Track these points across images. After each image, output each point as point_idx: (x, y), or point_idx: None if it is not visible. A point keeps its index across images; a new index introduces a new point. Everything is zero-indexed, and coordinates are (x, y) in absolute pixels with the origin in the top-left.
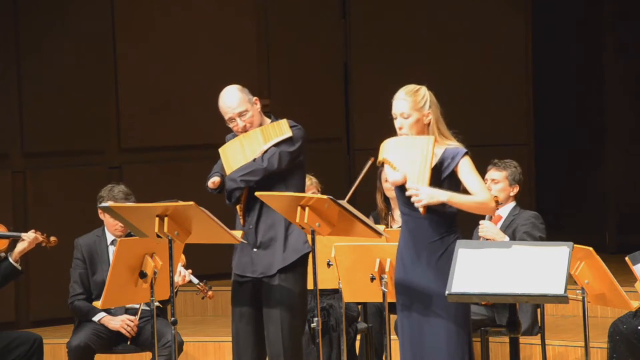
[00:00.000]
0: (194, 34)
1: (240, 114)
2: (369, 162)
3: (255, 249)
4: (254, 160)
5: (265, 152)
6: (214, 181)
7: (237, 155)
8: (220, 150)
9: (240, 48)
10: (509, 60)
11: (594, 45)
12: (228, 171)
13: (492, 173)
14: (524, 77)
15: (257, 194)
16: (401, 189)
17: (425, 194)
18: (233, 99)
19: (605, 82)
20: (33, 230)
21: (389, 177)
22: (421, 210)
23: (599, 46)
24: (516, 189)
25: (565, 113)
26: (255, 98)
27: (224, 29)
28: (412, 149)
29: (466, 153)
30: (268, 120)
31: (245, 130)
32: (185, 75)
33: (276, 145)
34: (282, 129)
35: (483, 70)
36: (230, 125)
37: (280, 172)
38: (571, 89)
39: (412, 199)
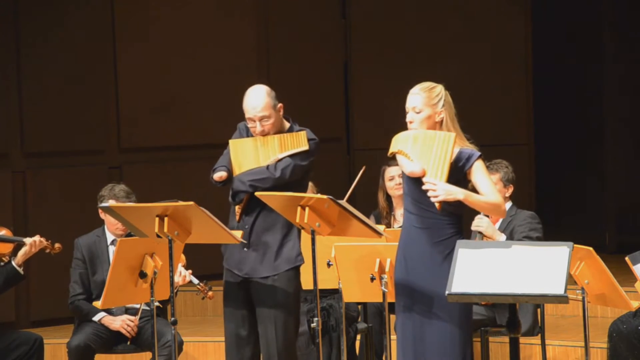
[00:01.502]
0: (194, 34)
1: (262, 118)
2: (362, 170)
3: (245, 249)
4: (267, 167)
5: (279, 160)
6: (220, 175)
7: (248, 155)
8: (232, 142)
9: (240, 48)
10: (509, 60)
11: (594, 45)
12: (235, 166)
13: None
14: (524, 77)
15: (257, 194)
16: (415, 182)
17: (442, 190)
18: (258, 102)
19: (605, 82)
20: (38, 236)
21: (407, 168)
22: (437, 205)
23: (599, 46)
24: (511, 189)
25: (565, 113)
26: (280, 105)
27: (224, 29)
28: (430, 143)
29: (480, 156)
30: (287, 125)
31: (262, 134)
32: (185, 75)
33: (291, 156)
34: (301, 142)
35: (483, 71)
36: (249, 125)
37: (288, 182)
38: (571, 89)
39: (429, 194)
